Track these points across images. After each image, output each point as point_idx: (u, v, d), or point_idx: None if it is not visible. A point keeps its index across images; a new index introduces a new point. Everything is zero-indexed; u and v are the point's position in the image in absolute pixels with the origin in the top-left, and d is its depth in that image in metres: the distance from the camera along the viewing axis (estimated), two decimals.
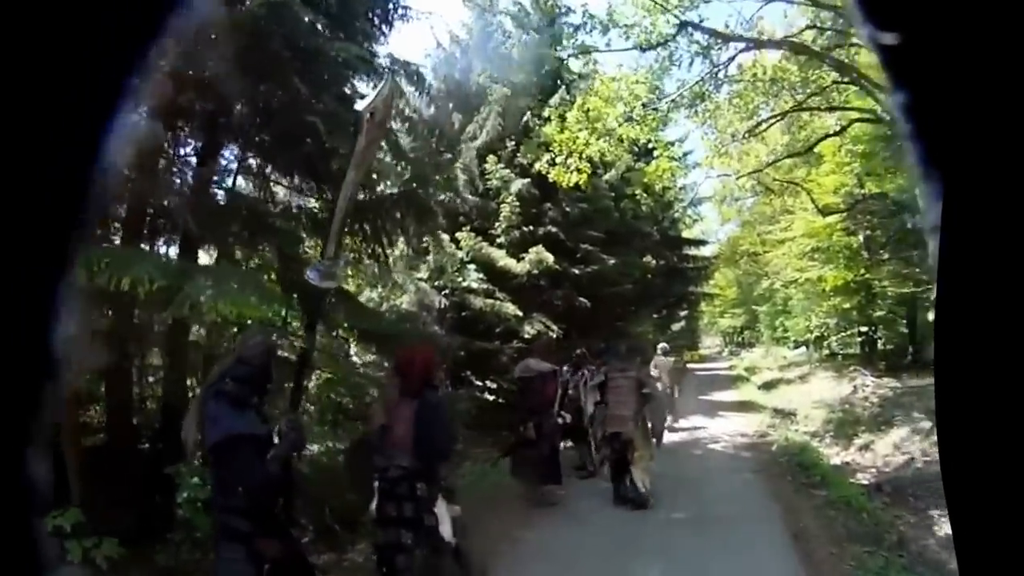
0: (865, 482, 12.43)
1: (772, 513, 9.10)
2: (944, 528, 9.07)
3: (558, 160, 16.13)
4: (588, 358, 10.80)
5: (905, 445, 13.81)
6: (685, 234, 34.98)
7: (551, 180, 16.89)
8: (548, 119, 16.48)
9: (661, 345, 17.86)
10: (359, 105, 5.54)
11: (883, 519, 9.44)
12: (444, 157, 17.61)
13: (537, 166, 16.79)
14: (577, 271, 18.47)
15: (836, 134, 19.83)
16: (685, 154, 28.27)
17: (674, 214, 31.19)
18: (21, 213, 0.50)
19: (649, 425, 10.12)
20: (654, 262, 27.95)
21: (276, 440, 4.41)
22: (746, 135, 18.71)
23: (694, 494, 10.36)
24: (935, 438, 7.69)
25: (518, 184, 17.25)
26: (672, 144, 20.16)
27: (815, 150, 22.94)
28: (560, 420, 10.21)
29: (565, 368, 11.68)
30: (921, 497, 10.88)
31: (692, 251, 33.70)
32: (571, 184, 16.33)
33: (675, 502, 9.83)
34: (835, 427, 17.46)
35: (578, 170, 16.15)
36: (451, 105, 18.55)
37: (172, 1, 0.53)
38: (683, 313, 38.47)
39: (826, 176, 23.71)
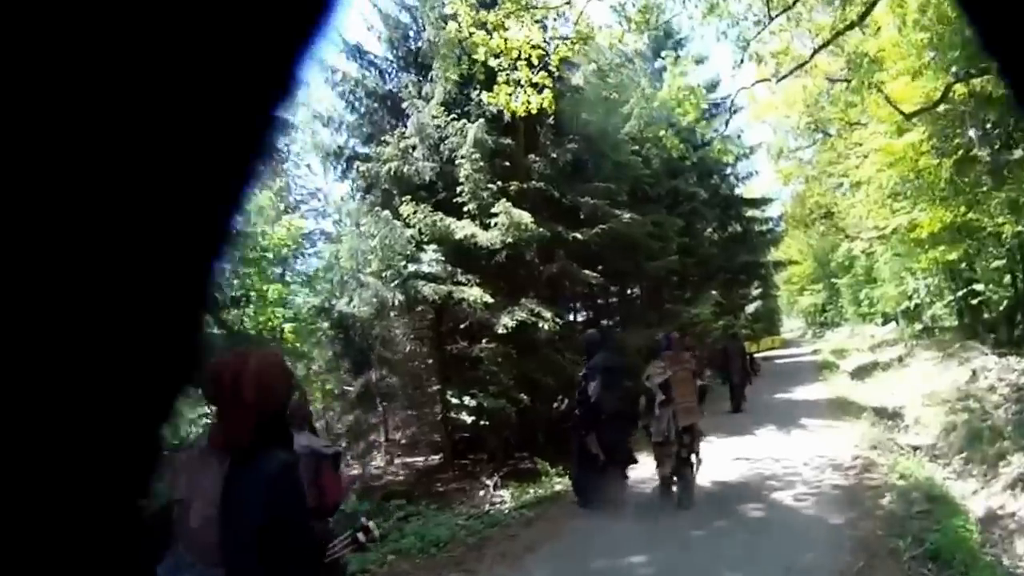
0: None
1: None
2: None
3: (499, 79, 10.50)
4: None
5: None
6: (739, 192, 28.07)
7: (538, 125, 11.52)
8: (454, 17, 10.41)
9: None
10: None
11: None
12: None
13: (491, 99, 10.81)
14: (579, 235, 12.03)
15: None
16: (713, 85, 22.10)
17: (721, 166, 24.32)
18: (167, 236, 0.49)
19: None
20: (708, 228, 21.64)
21: None
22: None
23: None
24: None
25: (474, 130, 11.14)
26: (680, 53, 13.90)
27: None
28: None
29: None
30: None
31: (753, 212, 26.90)
32: (527, 109, 10.65)
33: None
34: (964, 439, 10.68)
35: (533, 85, 10.10)
36: (407, 73, 14.32)
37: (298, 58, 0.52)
38: (756, 292, 31.04)
39: (895, 63, 16.21)
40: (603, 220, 13.24)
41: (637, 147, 16.54)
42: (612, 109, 16.06)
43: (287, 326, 12.04)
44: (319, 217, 19.90)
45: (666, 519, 7.43)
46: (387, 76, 14.68)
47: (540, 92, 10.35)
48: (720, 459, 9.99)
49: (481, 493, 9.36)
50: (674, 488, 8.19)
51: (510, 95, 10.31)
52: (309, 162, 17.29)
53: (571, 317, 15.60)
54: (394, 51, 14.55)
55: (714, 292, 22.22)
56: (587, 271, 12.92)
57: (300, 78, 0.51)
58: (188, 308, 0.52)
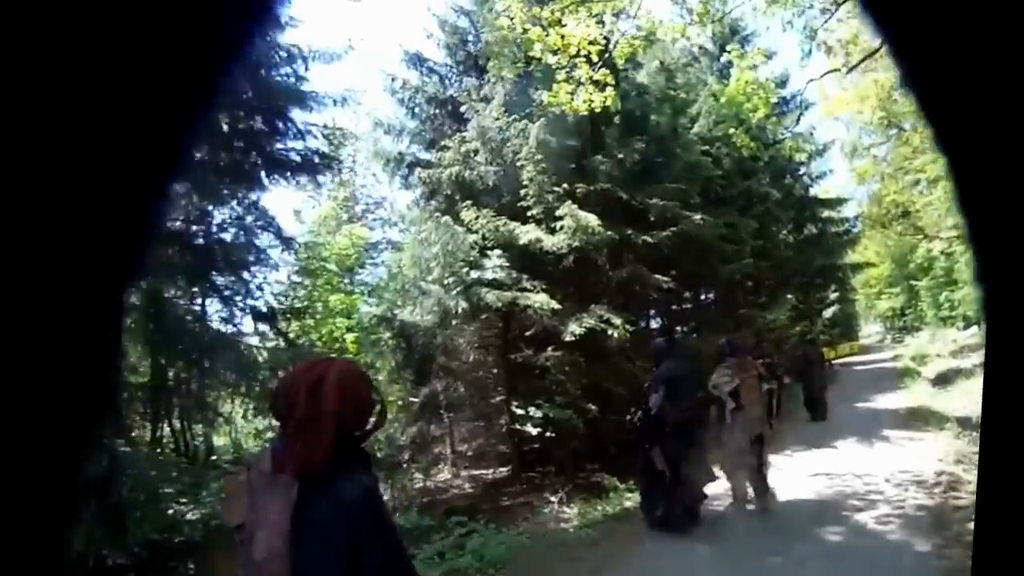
0: None
1: None
2: None
3: (559, 77, 9.83)
4: None
5: None
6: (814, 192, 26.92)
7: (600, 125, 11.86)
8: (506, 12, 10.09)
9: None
10: None
11: None
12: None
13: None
14: (649, 238, 11.41)
15: None
16: (783, 82, 21.02)
17: (794, 165, 23.34)
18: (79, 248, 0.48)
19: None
20: (782, 230, 20.81)
21: None
22: None
23: None
24: None
25: (536, 130, 10.67)
26: (746, 48, 13.31)
27: None
28: None
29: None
30: None
31: (829, 212, 25.86)
32: (590, 108, 9.97)
33: None
34: None
35: (595, 83, 9.71)
36: (467, 77, 14.00)
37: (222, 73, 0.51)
38: (833, 296, 29.69)
39: None
40: (674, 222, 12.53)
41: (707, 147, 15.81)
42: (680, 109, 15.47)
43: (349, 336, 11.78)
44: (386, 226, 19.79)
45: (741, 542, 6.80)
46: (447, 81, 14.38)
47: (602, 90, 9.79)
48: (798, 474, 9.37)
49: (547, 509, 8.83)
50: (749, 506, 7.80)
51: (571, 94, 9.77)
52: (375, 171, 17.11)
53: (643, 324, 14.96)
54: (453, 56, 14.25)
55: (790, 296, 21.25)
56: (659, 275, 12.21)
57: (215, 98, 0.49)
58: (96, 333, 0.49)
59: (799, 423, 14.43)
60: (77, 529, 5.09)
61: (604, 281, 11.89)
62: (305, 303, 11.74)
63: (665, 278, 12.35)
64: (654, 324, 16.15)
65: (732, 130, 14.30)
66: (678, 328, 16.73)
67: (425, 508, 9.27)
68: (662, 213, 12.55)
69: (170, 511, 6.34)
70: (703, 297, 18.52)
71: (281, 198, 50.65)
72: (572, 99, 9.83)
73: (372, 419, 2.19)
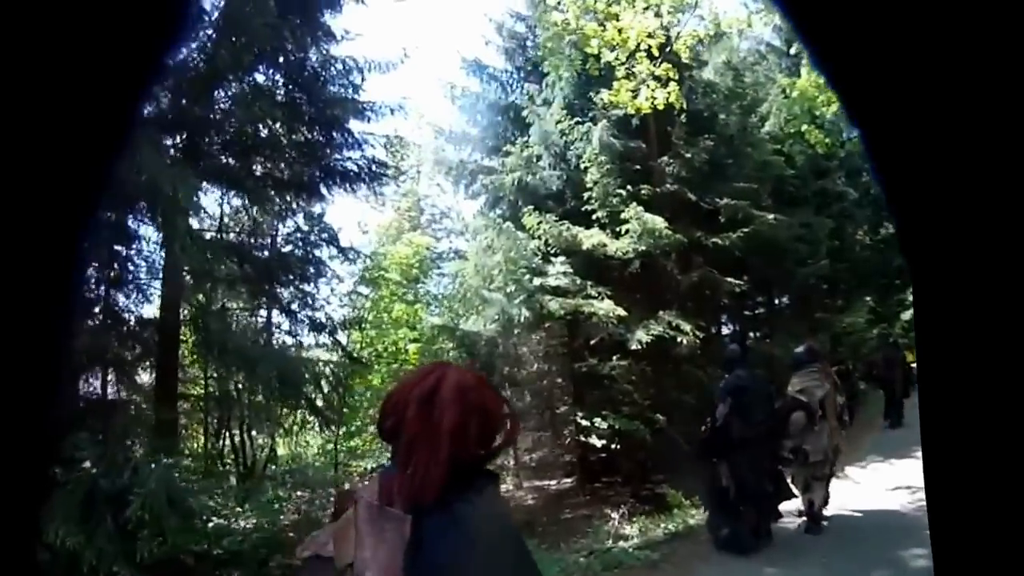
0: None
1: None
2: None
3: (619, 75, 9.33)
4: None
5: None
6: None
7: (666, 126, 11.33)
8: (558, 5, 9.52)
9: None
10: None
11: None
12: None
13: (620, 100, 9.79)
14: (719, 240, 10.90)
15: None
16: None
17: (868, 161, 22.22)
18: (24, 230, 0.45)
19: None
20: (859, 230, 20.02)
21: None
22: None
23: None
24: None
25: (599, 132, 10.31)
26: None
27: None
28: None
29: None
30: None
31: None
32: (653, 105, 9.37)
33: None
34: None
35: (656, 78, 9.14)
36: (527, 82, 13.47)
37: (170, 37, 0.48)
38: (912, 297, 28.20)
39: None
40: (745, 223, 11.85)
41: (779, 145, 15.09)
42: (749, 107, 14.84)
43: (412, 347, 11.60)
44: (451, 236, 19.68)
45: (815, 567, 6.26)
46: (507, 88, 14.14)
47: (665, 85, 9.27)
48: (877, 487, 8.81)
49: (607, 526, 8.39)
50: (824, 523, 7.44)
51: (632, 91, 9.28)
52: (438, 181, 17.01)
53: (714, 330, 14.34)
54: (512, 62, 13.98)
55: (867, 299, 20.24)
56: (730, 279, 11.60)
57: (153, 80, 0.47)
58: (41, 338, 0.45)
59: (876, 431, 13.66)
60: (89, 544, 5.03)
61: (672, 286, 11.35)
62: (369, 314, 11.63)
63: (737, 281, 11.72)
64: (726, 330, 15.55)
65: (805, 126, 13.60)
66: (751, 333, 16.12)
67: None
68: (733, 214, 11.91)
69: (211, 524, 6.21)
70: (777, 301, 17.76)
71: (346, 210, 51.54)
72: (634, 97, 9.36)
73: (500, 435, 1.76)
